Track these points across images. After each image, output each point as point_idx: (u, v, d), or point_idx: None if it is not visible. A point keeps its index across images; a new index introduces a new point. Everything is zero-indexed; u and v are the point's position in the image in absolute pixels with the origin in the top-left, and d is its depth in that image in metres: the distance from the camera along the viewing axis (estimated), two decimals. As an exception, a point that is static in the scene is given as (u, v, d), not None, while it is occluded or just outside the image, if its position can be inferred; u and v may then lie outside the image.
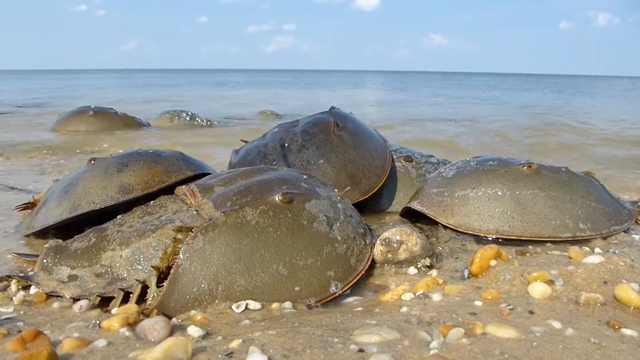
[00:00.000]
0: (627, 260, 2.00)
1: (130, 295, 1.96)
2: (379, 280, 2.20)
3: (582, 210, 2.55)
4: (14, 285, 2.09)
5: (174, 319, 1.78)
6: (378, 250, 2.29)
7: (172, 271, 1.89)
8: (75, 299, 1.98)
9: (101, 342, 1.53)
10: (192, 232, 1.97)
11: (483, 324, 1.60)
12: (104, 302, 1.98)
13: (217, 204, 2.19)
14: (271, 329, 1.61)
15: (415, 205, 2.84)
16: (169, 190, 2.62)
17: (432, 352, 1.44)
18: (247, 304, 1.84)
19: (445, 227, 2.64)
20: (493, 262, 2.09)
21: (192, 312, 1.82)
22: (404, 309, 1.80)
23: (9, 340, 1.47)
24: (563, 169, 2.78)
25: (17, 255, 2.41)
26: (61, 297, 2.01)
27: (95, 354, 1.46)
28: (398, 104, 17.22)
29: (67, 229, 2.62)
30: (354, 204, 2.66)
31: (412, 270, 2.22)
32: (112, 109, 8.16)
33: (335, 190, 2.56)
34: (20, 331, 1.60)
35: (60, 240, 2.31)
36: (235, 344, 1.50)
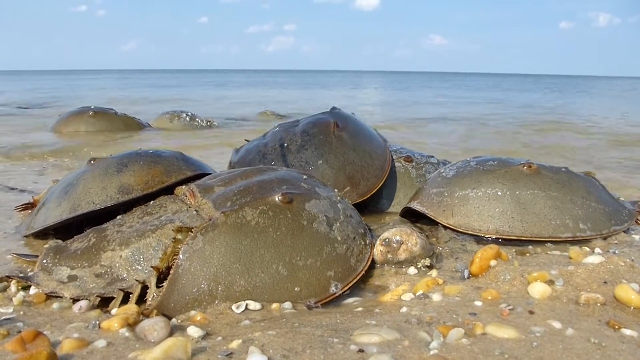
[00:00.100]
0: (627, 260, 2.00)
1: (130, 295, 1.95)
2: (378, 281, 2.20)
3: (582, 211, 2.55)
4: (13, 286, 2.09)
5: (173, 320, 1.78)
6: (378, 250, 2.28)
7: (171, 271, 1.89)
8: (75, 300, 1.98)
9: (101, 343, 1.53)
10: (191, 232, 1.97)
11: (483, 324, 1.60)
12: (104, 303, 1.98)
13: (217, 204, 2.19)
14: (271, 329, 1.61)
15: (415, 206, 2.84)
16: (168, 190, 2.62)
17: (432, 352, 1.44)
18: (247, 305, 1.84)
19: (445, 227, 2.64)
20: (493, 262, 2.09)
21: (192, 312, 1.81)
22: (404, 309, 1.80)
23: (8, 341, 1.47)
24: (563, 169, 2.78)
25: (17, 255, 2.41)
26: (61, 297, 2.01)
27: (95, 355, 1.46)
28: (400, 104, 17.23)
29: (67, 229, 2.62)
30: (353, 205, 2.65)
31: (412, 270, 2.22)
32: (112, 109, 8.16)
33: (335, 190, 2.56)
34: (20, 332, 1.60)
35: (60, 241, 2.31)
36: (235, 344, 1.50)
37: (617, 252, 2.31)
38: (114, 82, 36.35)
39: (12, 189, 3.95)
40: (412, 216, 3.00)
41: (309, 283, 1.97)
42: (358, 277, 2.11)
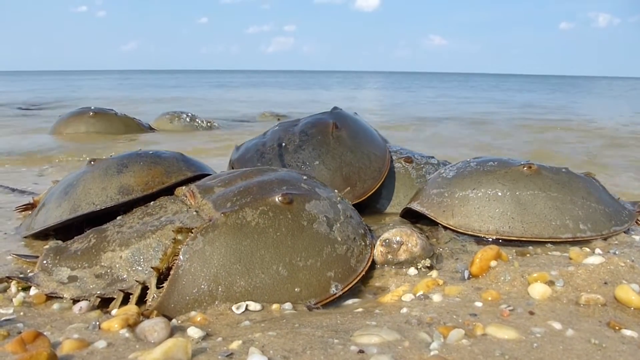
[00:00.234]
0: (628, 261, 2.00)
1: (130, 296, 1.95)
2: (379, 281, 2.20)
3: (582, 211, 2.55)
4: (13, 287, 2.09)
5: (174, 320, 1.78)
6: (378, 251, 2.28)
7: (172, 272, 1.89)
8: (75, 300, 1.98)
9: (101, 344, 1.53)
10: (192, 233, 1.97)
11: (483, 325, 1.60)
12: (104, 303, 1.98)
13: (217, 204, 2.19)
14: (271, 330, 1.61)
15: (416, 206, 2.84)
16: (169, 191, 2.62)
17: (432, 353, 1.44)
18: (247, 305, 1.84)
19: (446, 228, 2.64)
20: (493, 263, 2.09)
21: (192, 313, 1.81)
22: (404, 310, 1.80)
23: (8, 342, 1.47)
24: (563, 170, 2.78)
25: (17, 256, 2.41)
26: (61, 298, 2.01)
27: (95, 355, 1.46)
28: (402, 104, 17.25)
29: (67, 230, 2.62)
30: (352, 206, 2.65)
31: (412, 271, 2.22)
32: (112, 110, 8.16)
33: (335, 191, 2.56)
34: (20, 332, 1.60)
35: (60, 242, 2.30)
36: (235, 345, 1.50)
37: (617, 252, 2.31)
38: (114, 82, 36.37)
39: (13, 190, 3.94)
40: (412, 217, 2.99)
41: (309, 284, 1.97)
42: (358, 278, 2.11)
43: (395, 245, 2.27)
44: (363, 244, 2.27)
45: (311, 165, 3.11)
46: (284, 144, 3.27)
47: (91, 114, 7.69)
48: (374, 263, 2.28)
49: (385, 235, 2.31)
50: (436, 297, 1.89)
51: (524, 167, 2.68)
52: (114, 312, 1.87)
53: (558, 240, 2.45)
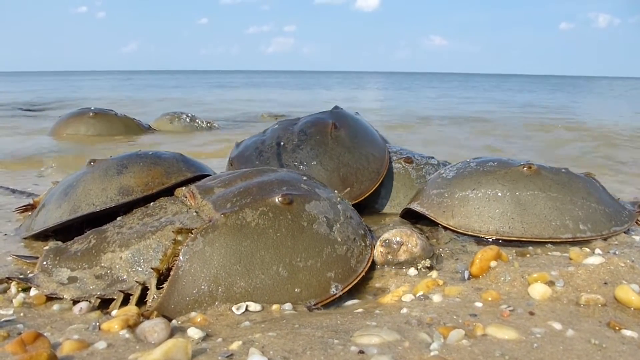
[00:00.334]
0: (628, 261, 2.00)
1: (130, 297, 1.95)
2: (379, 282, 2.20)
3: (582, 211, 2.55)
4: (13, 288, 2.09)
5: (174, 321, 1.78)
6: (378, 251, 2.28)
7: (172, 273, 1.89)
8: (75, 301, 1.98)
9: (101, 344, 1.53)
10: (192, 233, 1.97)
11: (483, 325, 1.60)
12: (104, 304, 1.98)
13: (217, 205, 2.19)
14: (271, 330, 1.61)
15: (416, 207, 2.83)
16: (168, 191, 2.62)
17: (432, 353, 1.44)
18: (247, 306, 1.84)
19: (446, 228, 2.64)
20: (493, 263, 2.09)
21: (192, 313, 1.81)
22: (404, 311, 1.80)
23: (8, 343, 1.47)
24: (563, 170, 2.78)
25: (17, 257, 2.41)
26: (61, 299, 2.01)
27: (95, 356, 1.46)
28: (403, 104, 17.25)
29: (67, 230, 2.62)
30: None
31: (412, 271, 2.22)
32: (112, 110, 8.16)
33: (336, 191, 2.56)
34: (20, 333, 1.60)
35: (60, 242, 2.31)
36: (235, 345, 1.50)
37: (617, 253, 2.31)
38: (114, 83, 36.37)
39: (14, 191, 3.94)
40: (412, 217, 2.99)
41: (309, 284, 1.97)
42: (358, 278, 2.11)
43: (395, 246, 2.27)
44: (363, 244, 2.27)
45: (308, 165, 3.10)
46: (282, 143, 3.27)
47: (91, 114, 7.68)
48: (374, 263, 2.28)
49: (385, 235, 2.31)
50: (436, 298, 1.89)
51: (523, 167, 2.68)
52: (114, 312, 1.87)
53: (558, 240, 2.45)
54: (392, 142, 4.25)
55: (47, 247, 2.28)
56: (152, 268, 1.97)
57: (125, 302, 1.95)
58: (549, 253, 2.35)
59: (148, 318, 1.77)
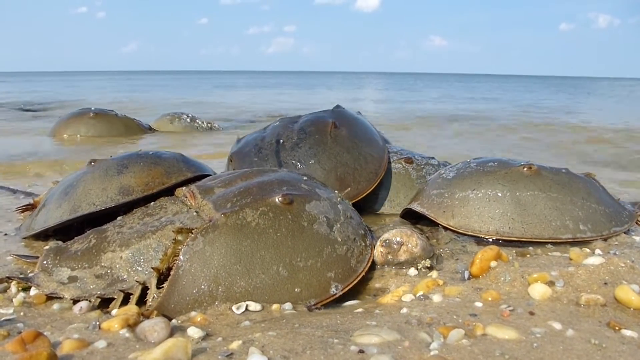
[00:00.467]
0: (628, 261, 2.00)
1: (130, 296, 1.96)
2: (379, 282, 2.20)
3: (582, 212, 2.55)
4: (14, 287, 2.09)
5: (174, 320, 1.78)
6: (378, 251, 2.28)
7: (172, 272, 1.89)
8: (75, 300, 1.98)
9: (101, 344, 1.53)
10: (192, 233, 1.97)
11: (483, 325, 1.60)
12: (104, 304, 1.98)
13: (217, 205, 2.19)
14: (271, 330, 1.61)
15: (416, 207, 2.84)
16: (169, 191, 2.62)
17: (432, 353, 1.44)
18: (247, 305, 1.84)
19: (446, 229, 2.64)
20: (493, 263, 2.09)
21: (192, 313, 1.82)
22: (404, 310, 1.80)
23: (9, 342, 1.47)
24: (563, 170, 2.78)
25: (17, 256, 2.41)
26: (61, 298, 2.01)
27: (95, 355, 1.46)
28: (405, 104, 17.25)
29: (67, 230, 2.62)
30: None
31: (412, 271, 2.22)
32: (112, 110, 8.16)
33: (336, 191, 2.56)
34: (20, 332, 1.60)
35: (60, 242, 2.31)
36: (235, 345, 1.50)
37: (617, 253, 2.31)
38: (115, 83, 36.39)
39: (15, 191, 3.94)
40: (412, 217, 3.00)
41: (309, 284, 1.97)
42: (358, 278, 2.11)
43: (395, 246, 2.27)
44: (363, 244, 2.27)
45: (306, 163, 3.10)
46: (281, 141, 3.26)
47: (91, 115, 7.68)
48: (374, 263, 2.28)
49: (386, 235, 2.31)
50: (436, 298, 1.89)
51: (524, 167, 2.68)
52: (114, 312, 1.87)
53: (558, 240, 2.45)
54: (393, 142, 4.25)
55: (47, 247, 2.28)
56: (152, 268, 1.97)
57: (125, 301, 1.95)
58: (549, 253, 2.35)
59: (148, 317, 1.77)
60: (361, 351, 1.44)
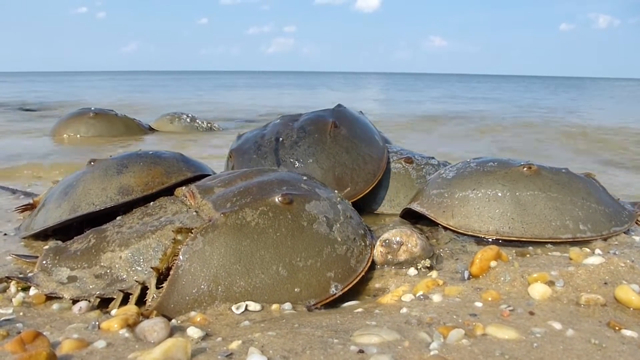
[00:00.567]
0: (628, 261, 2.00)
1: (130, 296, 1.95)
2: (378, 282, 2.20)
3: (582, 212, 2.55)
4: (13, 287, 2.09)
5: (173, 320, 1.78)
6: (378, 251, 2.28)
7: (171, 272, 1.89)
8: (75, 300, 1.98)
9: (100, 343, 1.53)
10: (191, 233, 1.97)
11: (483, 325, 1.60)
12: (104, 304, 1.98)
13: (216, 205, 2.18)
14: (271, 330, 1.61)
15: (416, 207, 2.83)
16: (168, 191, 2.62)
17: (432, 353, 1.44)
18: (246, 305, 1.84)
19: (446, 229, 2.63)
20: (493, 263, 2.09)
21: (192, 313, 1.81)
22: (404, 310, 1.80)
23: (8, 342, 1.47)
24: (563, 170, 2.78)
25: (17, 256, 2.41)
26: (61, 298, 2.01)
27: (95, 355, 1.46)
28: (405, 104, 17.25)
29: (66, 230, 2.62)
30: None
31: (412, 271, 2.22)
32: (112, 110, 8.16)
33: (336, 191, 2.56)
34: (19, 332, 1.59)
35: (59, 242, 2.31)
36: (234, 345, 1.50)
37: (617, 253, 2.30)
38: (115, 83, 36.39)
39: (14, 191, 3.94)
40: (412, 217, 2.99)
41: (309, 284, 1.97)
42: (358, 278, 2.11)
43: (395, 246, 2.27)
44: (363, 244, 2.27)
45: (305, 162, 3.09)
46: (281, 139, 3.25)
47: (91, 114, 7.69)
48: (373, 263, 2.28)
49: (385, 235, 2.31)
50: (436, 298, 1.89)
51: (523, 167, 2.68)
52: (113, 312, 1.87)
53: (558, 240, 2.45)
54: (394, 141, 4.25)
55: (46, 247, 2.28)
56: (151, 267, 1.97)
57: (124, 301, 1.95)
58: (549, 253, 2.34)
59: (147, 317, 1.77)
60: (361, 351, 1.44)
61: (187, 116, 8.78)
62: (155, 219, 2.29)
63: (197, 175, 2.79)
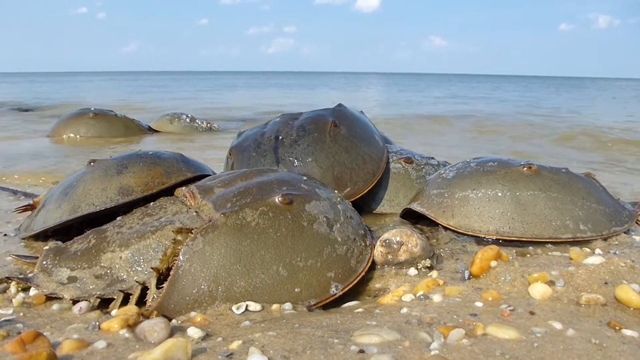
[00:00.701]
0: (628, 261, 2.00)
1: (130, 296, 1.95)
2: (379, 282, 2.19)
3: (582, 211, 2.55)
4: (13, 287, 2.09)
5: (173, 321, 1.78)
6: (378, 251, 2.28)
7: (171, 272, 1.89)
8: (75, 301, 1.98)
9: (101, 344, 1.53)
10: (191, 233, 1.97)
11: (484, 325, 1.60)
12: (104, 304, 1.98)
13: (216, 205, 2.18)
14: (271, 330, 1.61)
15: (416, 207, 2.83)
16: (168, 191, 2.62)
17: (432, 352, 1.44)
18: (247, 305, 1.84)
19: (446, 229, 2.63)
20: (493, 263, 2.09)
21: (192, 313, 1.81)
22: (405, 310, 1.80)
23: (8, 342, 1.47)
24: (563, 170, 2.78)
25: (17, 257, 2.41)
26: (61, 298, 2.01)
27: (95, 356, 1.46)
28: (406, 104, 17.25)
29: (66, 230, 2.62)
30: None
31: (412, 271, 2.21)
32: (112, 111, 8.16)
33: (336, 191, 2.56)
34: (19, 333, 1.59)
35: (59, 242, 2.31)
36: (235, 345, 1.50)
37: (617, 253, 2.30)
38: (114, 84, 36.41)
39: (15, 192, 3.94)
40: (412, 217, 2.99)
41: (309, 284, 1.97)
42: (358, 278, 2.10)
43: (395, 246, 2.27)
44: (363, 244, 2.27)
45: (304, 161, 3.09)
46: (280, 137, 3.25)
47: (91, 115, 7.69)
48: (374, 263, 2.28)
49: (386, 235, 2.31)
50: (436, 297, 1.89)
51: (523, 167, 2.67)
52: (113, 312, 1.87)
53: (558, 240, 2.45)
54: (394, 141, 4.25)
55: (47, 247, 2.28)
56: (151, 268, 1.97)
57: (125, 301, 1.95)
58: (549, 253, 2.34)
59: (148, 317, 1.77)
60: (361, 351, 1.44)
61: (187, 116, 8.79)
62: (155, 219, 2.29)
63: (197, 176, 2.79)
